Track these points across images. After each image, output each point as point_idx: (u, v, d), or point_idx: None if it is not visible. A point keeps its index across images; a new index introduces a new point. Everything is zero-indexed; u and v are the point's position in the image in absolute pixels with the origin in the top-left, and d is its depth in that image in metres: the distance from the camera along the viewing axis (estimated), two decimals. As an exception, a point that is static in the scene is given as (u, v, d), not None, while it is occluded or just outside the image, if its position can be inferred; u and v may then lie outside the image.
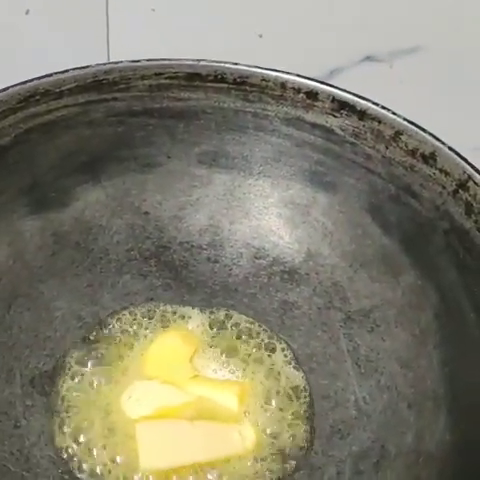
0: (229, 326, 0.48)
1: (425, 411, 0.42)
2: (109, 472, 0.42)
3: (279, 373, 0.46)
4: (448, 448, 0.40)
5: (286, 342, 0.48)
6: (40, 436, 0.43)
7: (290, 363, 0.47)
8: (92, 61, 0.46)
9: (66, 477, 0.42)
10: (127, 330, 0.47)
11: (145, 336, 0.47)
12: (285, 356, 0.47)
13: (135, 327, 0.47)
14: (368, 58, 0.61)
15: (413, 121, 0.44)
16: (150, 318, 0.48)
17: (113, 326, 0.47)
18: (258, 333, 0.48)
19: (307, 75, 0.57)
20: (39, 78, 0.44)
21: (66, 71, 0.44)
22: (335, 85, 0.47)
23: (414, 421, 0.42)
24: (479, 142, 0.62)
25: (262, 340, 0.48)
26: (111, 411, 0.44)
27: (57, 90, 0.44)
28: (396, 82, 0.61)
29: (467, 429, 0.40)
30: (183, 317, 0.48)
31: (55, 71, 0.45)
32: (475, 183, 0.41)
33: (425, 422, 0.42)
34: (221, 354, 0.47)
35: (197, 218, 0.50)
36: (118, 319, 0.48)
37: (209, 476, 0.42)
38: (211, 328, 0.48)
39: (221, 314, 0.48)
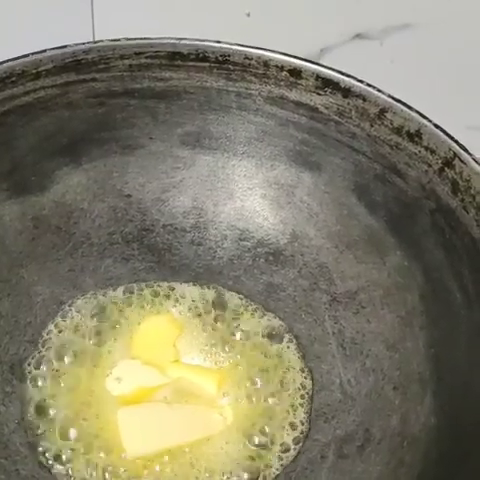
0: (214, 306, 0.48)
1: (410, 394, 0.42)
2: (88, 459, 0.42)
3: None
4: (433, 431, 0.39)
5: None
6: (19, 423, 0.42)
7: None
8: (77, 41, 0.45)
9: (45, 464, 0.41)
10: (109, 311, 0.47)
11: (128, 317, 0.47)
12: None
13: (119, 307, 0.47)
14: (358, 36, 0.60)
15: (398, 98, 0.43)
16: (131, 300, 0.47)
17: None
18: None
19: (297, 54, 0.56)
20: (15, 59, 0.43)
21: (43, 51, 0.43)
22: (325, 63, 0.46)
23: (399, 404, 0.42)
24: (472, 121, 0.62)
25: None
26: (94, 394, 0.43)
27: (34, 71, 0.43)
28: (387, 60, 0.60)
29: (452, 411, 0.39)
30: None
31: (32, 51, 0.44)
32: (461, 161, 0.41)
33: (410, 405, 0.41)
34: (205, 336, 0.46)
35: (180, 200, 0.49)
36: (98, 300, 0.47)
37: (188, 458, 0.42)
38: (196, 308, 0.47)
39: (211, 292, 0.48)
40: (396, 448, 0.40)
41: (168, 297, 0.48)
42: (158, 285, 0.48)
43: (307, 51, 0.59)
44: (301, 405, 0.44)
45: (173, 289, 0.48)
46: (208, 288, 0.48)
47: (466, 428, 0.38)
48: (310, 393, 0.45)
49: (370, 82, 0.44)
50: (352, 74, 0.45)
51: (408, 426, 0.41)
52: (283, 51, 0.45)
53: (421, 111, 0.43)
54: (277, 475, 0.42)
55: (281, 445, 0.43)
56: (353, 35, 0.59)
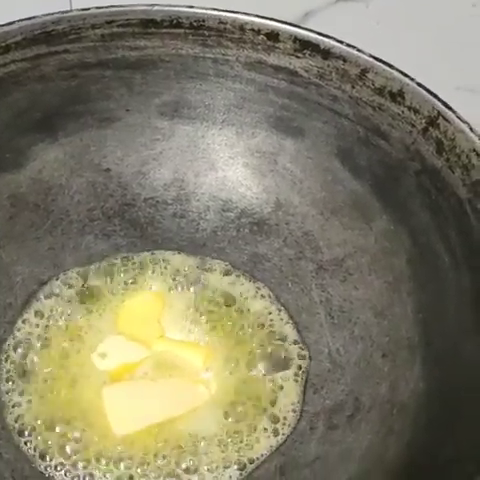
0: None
1: (400, 360, 0.41)
2: (78, 436, 0.41)
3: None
4: (422, 397, 0.39)
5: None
6: (4, 405, 0.42)
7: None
8: (53, 10, 0.44)
9: (30, 448, 0.41)
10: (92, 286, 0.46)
11: (112, 291, 0.46)
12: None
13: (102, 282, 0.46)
14: (342, -1, 0.59)
15: (379, 58, 0.42)
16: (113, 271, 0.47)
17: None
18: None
19: (281, 18, 0.55)
20: (-18, 32, 0.42)
21: (12, 23, 0.42)
22: (310, 27, 0.45)
23: (388, 371, 0.41)
24: (462, 81, 0.61)
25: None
26: (80, 370, 0.43)
27: (3, 44, 0.42)
28: (373, 22, 0.59)
29: (441, 377, 0.38)
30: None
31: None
32: (445, 119, 0.40)
33: (399, 372, 0.41)
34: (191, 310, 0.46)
35: (161, 172, 0.48)
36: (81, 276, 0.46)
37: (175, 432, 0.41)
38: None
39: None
40: (386, 416, 0.40)
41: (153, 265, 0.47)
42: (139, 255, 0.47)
43: (291, 15, 0.57)
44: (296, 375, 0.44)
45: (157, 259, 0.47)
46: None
47: (455, 393, 0.37)
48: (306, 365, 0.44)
49: (357, 44, 0.43)
50: (338, 37, 0.44)
51: (397, 393, 0.40)
52: (267, 15, 0.44)
53: (409, 73, 0.42)
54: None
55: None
56: (337, -2, 0.58)
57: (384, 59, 0.42)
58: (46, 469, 0.40)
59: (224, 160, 0.48)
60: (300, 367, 0.44)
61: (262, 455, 0.41)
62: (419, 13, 0.57)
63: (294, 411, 0.42)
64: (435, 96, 0.40)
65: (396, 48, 0.55)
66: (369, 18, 0.58)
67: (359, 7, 0.58)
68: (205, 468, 0.40)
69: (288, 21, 0.56)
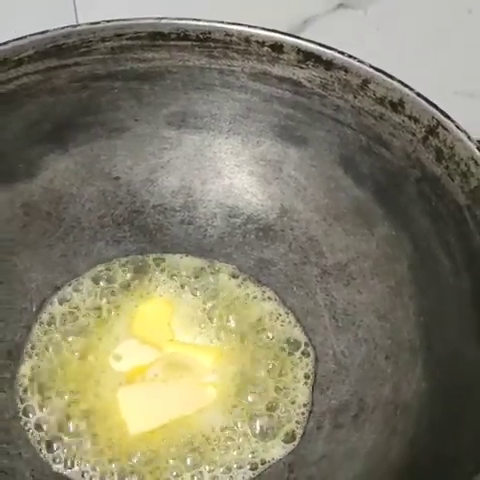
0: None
1: (402, 362, 0.42)
2: (94, 436, 0.42)
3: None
4: (424, 398, 0.40)
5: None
6: (20, 408, 0.43)
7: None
8: (59, 25, 0.45)
9: (49, 448, 0.42)
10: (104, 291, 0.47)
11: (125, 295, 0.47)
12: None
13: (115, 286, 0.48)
14: (342, 5, 0.59)
15: (380, 68, 0.43)
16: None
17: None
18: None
19: (280, 26, 0.56)
20: (-4, 46, 0.43)
21: (24, 37, 0.43)
22: (309, 35, 0.46)
23: (391, 372, 0.42)
24: (459, 86, 0.62)
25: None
26: (96, 372, 0.44)
27: (15, 58, 0.43)
28: (372, 29, 0.60)
29: (442, 378, 0.40)
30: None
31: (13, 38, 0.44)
32: (444, 128, 0.41)
33: (402, 373, 0.42)
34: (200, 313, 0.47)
35: (169, 180, 0.49)
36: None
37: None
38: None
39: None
40: (389, 416, 0.41)
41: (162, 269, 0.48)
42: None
43: (290, 22, 0.58)
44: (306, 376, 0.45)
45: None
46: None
47: (456, 394, 0.38)
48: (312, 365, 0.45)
49: (356, 51, 0.44)
50: (337, 44, 0.45)
51: (400, 394, 0.41)
52: (266, 23, 0.45)
53: (409, 78, 0.43)
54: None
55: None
56: (336, 4, 0.59)
57: (383, 65, 0.44)
58: (63, 469, 0.41)
59: (230, 168, 0.49)
60: (308, 369, 0.45)
61: (273, 458, 0.42)
62: (417, 19, 0.58)
63: (303, 413, 0.43)
64: (434, 106, 0.42)
65: (394, 54, 0.56)
66: (368, 25, 0.59)
67: (357, 14, 0.59)
68: (216, 466, 0.42)
69: (287, 28, 0.57)
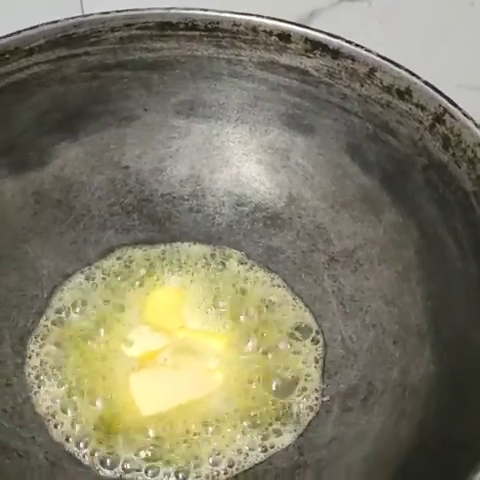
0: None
1: (410, 346, 0.43)
2: (106, 418, 0.43)
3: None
4: (432, 381, 0.40)
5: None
6: (32, 392, 0.43)
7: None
8: (65, 15, 0.45)
9: (61, 431, 0.42)
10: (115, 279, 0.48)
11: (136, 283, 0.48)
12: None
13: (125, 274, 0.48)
14: (347, -2, 0.60)
15: (387, 57, 0.44)
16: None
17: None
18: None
19: (286, 18, 0.56)
20: (7, 36, 0.43)
21: (35, 27, 0.44)
22: (314, 27, 0.46)
23: (399, 357, 0.43)
24: (463, 79, 0.62)
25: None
26: (109, 357, 0.45)
27: (27, 47, 0.43)
28: (376, 21, 0.60)
29: (450, 362, 0.40)
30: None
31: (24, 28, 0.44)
32: (451, 115, 0.41)
33: (410, 357, 0.42)
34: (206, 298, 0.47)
35: (177, 169, 0.50)
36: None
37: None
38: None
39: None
40: (398, 399, 0.41)
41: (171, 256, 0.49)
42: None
43: (296, 15, 0.59)
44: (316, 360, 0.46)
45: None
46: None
47: (464, 377, 0.38)
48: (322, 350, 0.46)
49: (360, 43, 0.45)
50: (342, 36, 0.45)
51: (408, 377, 0.42)
52: (272, 15, 0.46)
53: (411, 70, 0.44)
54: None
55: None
56: (341, -3, 0.60)
57: (387, 57, 0.44)
58: (77, 451, 0.42)
59: (238, 157, 0.50)
60: (318, 353, 0.45)
61: (283, 443, 0.42)
62: (420, 12, 0.59)
63: (316, 398, 0.44)
64: (441, 94, 0.42)
65: (398, 47, 0.56)
66: (372, 17, 0.60)
67: (362, 6, 0.59)
68: (227, 449, 0.42)
69: (293, 20, 0.58)
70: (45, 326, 0.46)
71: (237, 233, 0.50)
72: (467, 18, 0.59)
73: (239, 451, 0.42)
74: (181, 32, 0.45)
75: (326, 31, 0.45)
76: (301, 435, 0.43)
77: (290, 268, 0.48)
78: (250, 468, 0.42)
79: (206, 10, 0.45)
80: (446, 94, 0.42)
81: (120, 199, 0.49)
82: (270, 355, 0.45)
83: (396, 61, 0.44)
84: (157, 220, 0.50)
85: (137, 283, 0.48)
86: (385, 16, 0.59)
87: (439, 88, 0.43)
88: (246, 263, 0.49)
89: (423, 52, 0.58)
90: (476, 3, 0.58)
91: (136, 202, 0.50)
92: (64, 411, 0.43)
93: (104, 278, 0.48)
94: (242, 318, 0.47)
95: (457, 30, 0.59)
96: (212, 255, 0.49)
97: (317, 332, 0.46)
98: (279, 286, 0.48)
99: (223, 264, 0.49)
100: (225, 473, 0.42)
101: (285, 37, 0.44)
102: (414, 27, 0.59)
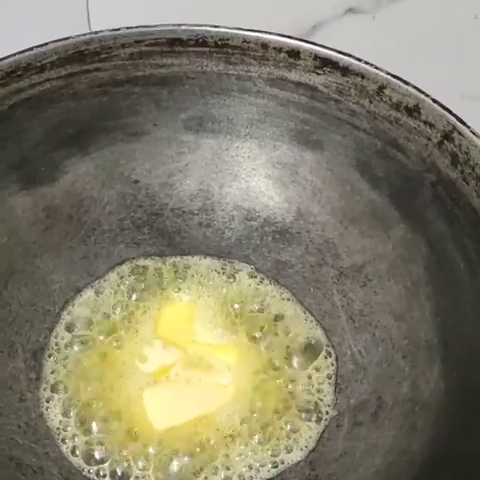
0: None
1: (419, 361, 0.43)
2: (118, 433, 0.43)
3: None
4: (442, 396, 0.41)
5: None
6: (45, 408, 0.44)
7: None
8: (73, 32, 0.46)
9: (74, 447, 0.43)
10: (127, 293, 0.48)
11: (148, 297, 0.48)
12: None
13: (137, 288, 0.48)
14: (351, 10, 0.61)
15: (396, 75, 0.44)
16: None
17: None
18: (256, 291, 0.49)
19: (289, 31, 0.57)
20: (20, 53, 0.44)
21: (46, 44, 0.44)
22: (318, 40, 0.46)
23: (409, 371, 0.43)
24: (466, 90, 0.63)
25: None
26: (121, 376, 0.45)
27: (38, 64, 0.44)
28: (380, 33, 0.61)
29: (459, 376, 0.41)
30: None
31: (35, 45, 0.45)
32: (459, 133, 0.42)
33: (419, 372, 0.43)
34: (218, 312, 0.48)
35: (187, 184, 0.50)
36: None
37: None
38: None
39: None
40: (408, 413, 0.42)
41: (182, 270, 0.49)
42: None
43: (300, 27, 0.59)
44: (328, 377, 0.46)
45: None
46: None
47: (475, 392, 0.39)
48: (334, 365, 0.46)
49: (364, 55, 0.45)
50: (345, 48, 0.46)
51: (418, 392, 0.42)
52: (276, 27, 0.46)
53: (416, 82, 0.44)
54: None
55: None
56: (345, 10, 0.60)
57: (390, 69, 0.44)
58: (89, 467, 0.42)
59: (247, 171, 0.50)
60: (331, 369, 0.46)
61: (295, 457, 0.43)
62: (424, 24, 0.59)
63: (327, 413, 0.44)
64: (449, 111, 0.43)
65: (402, 58, 0.57)
66: (376, 29, 0.60)
67: (366, 19, 0.60)
68: (238, 464, 0.42)
69: (296, 33, 0.58)
70: (57, 341, 0.46)
71: (246, 247, 0.50)
72: (470, 30, 0.60)
73: (250, 467, 0.42)
74: (191, 48, 0.45)
75: (332, 45, 0.45)
76: (312, 450, 0.43)
77: (299, 282, 0.49)
78: (261, 484, 0.42)
79: (216, 27, 0.45)
80: (449, 104, 0.43)
81: (130, 213, 0.50)
82: (281, 370, 0.46)
83: (400, 73, 0.44)
84: (167, 234, 0.50)
85: (148, 297, 0.48)
86: (389, 28, 0.60)
87: (442, 99, 0.43)
88: (256, 277, 0.49)
89: (426, 63, 0.59)
90: (479, 15, 0.59)
91: (146, 216, 0.50)
92: (77, 427, 0.43)
93: (115, 292, 0.48)
94: (253, 332, 0.47)
95: (460, 41, 0.60)
96: (222, 269, 0.49)
97: (328, 347, 0.46)
98: (289, 300, 0.48)
99: (233, 278, 0.49)
100: (236, 488, 0.42)
101: (294, 54, 0.45)
102: (417, 39, 0.60)
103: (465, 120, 0.43)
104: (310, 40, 0.57)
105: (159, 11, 0.56)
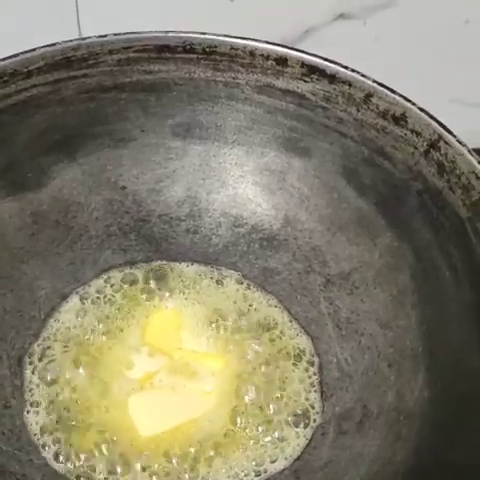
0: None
1: (404, 370, 0.43)
2: (105, 441, 0.43)
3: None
4: (426, 405, 0.41)
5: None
6: (30, 414, 0.43)
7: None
8: (63, 38, 0.46)
9: (58, 454, 0.42)
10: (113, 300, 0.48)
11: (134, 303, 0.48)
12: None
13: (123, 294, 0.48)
14: (342, 16, 0.60)
15: (383, 83, 0.44)
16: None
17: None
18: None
19: (281, 36, 0.57)
20: (5, 58, 0.44)
21: (33, 50, 0.44)
22: (310, 45, 0.47)
23: (394, 380, 0.43)
24: (455, 94, 0.63)
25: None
26: (107, 380, 0.45)
27: (25, 70, 0.44)
28: (371, 38, 0.61)
29: (444, 385, 0.41)
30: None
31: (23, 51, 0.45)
32: (446, 142, 0.42)
33: (405, 380, 0.43)
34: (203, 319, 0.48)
35: (174, 190, 0.50)
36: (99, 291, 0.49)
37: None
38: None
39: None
40: (393, 422, 0.42)
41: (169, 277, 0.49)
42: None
43: (291, 33, 0.59)
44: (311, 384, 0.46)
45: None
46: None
47: (459, 401, 0.39)
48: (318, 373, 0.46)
49: (355, 61, 0.45)
50: (337, 54, 0.46)
51: (403, 401, 0.42)
52: (267, 33, 0.46)
53: (405, 87, 0.44)
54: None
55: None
56: (336, 15, 0.60)
57: (381, 75, 0.45)
58: (74, 472, 0.42)
59: (235, 178, 0.50)
60: (315, 377, 0.46)
61: (278, 466, 0.43)
62: (415, 29, 0.59)
63: (314, 420, 0.44)
64: (436, 120, 0.43)
65: (393, 63, 0.57)
66: (367, 34, 0.60)
67: (357, 24, 0.60)
68: (220, 473, 0.42)
69: (288, 38, 0.58)
70: (43, 347, 0.46)
71: (234, 254, 0.50)
72: (461, 35, 0.60)
73: (235, 475, 0.42)
74: (179, 55, 0.46)
75: (320, 51, 0.45)
76: (297, 459, 0.43)
77: (286, 289, 0.49)
78: (245, 492, 0.42)
79: (204, 33, 0.45)
80: (438, 108, 0.43)
81: (117, 219, 0.50)
82: (267, 377, 0.46)
83: (390, 78, 0.44)
84: (154, 240, 0.50)
85: (135, 304, 0.48)
86: (380, 34, 0.60)
87: (431, 102, 0.43)
88: (243, 283, 0.49)
89: (416, 68, 0.59)
90: (471, 20, 0.59)
91: (133, 223, 0.50)
92: (61, 433, 0.43)
93: (102, 299, 0.48)
94: (239, 339, 0.47)
95: (452, 46, 0.60)
96: (209, 276, 0.49)
97: (313, 355, 0.46)
98: (276, 307, 0.48)
99: (220, 284, 0.49)
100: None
101: (282, 61, 0.45)
102: (408, 44, 0.60)
103: (455, 125, 0.43)
104: (302, 45, 0.58)
105: (151, 16, 0.56)
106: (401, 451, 0.40)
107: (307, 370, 0.46)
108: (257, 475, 0.43)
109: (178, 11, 0.57)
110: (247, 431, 0.44)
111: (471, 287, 0.40)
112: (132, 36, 0.45)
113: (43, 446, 0.43)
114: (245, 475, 0.43)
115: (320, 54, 0.45)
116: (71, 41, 0.45)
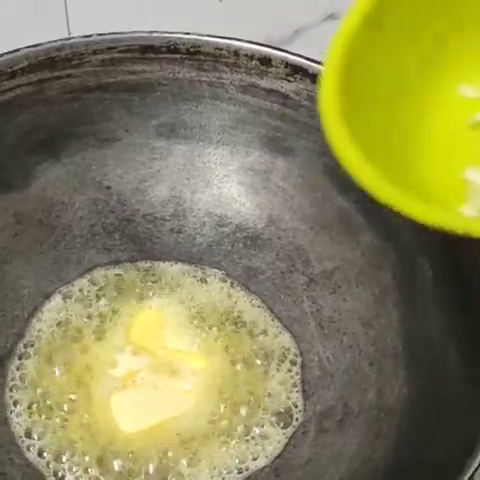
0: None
1: (385, 368, 0.43)
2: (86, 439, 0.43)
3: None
4: (406, 402, 0.41)
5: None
6: (11, 414, 0.44)
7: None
8: (52, 38, 0.46)
9: (40, 453, 0.43)
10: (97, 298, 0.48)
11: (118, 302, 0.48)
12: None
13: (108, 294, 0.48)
14: (331, 16, 0.61)
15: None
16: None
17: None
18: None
19: (270, 36, 0.57)
20: (-10, 58, 0.44)
21: (17, 50, 0.44)
22: (300, 45, 0.47)
23: (375, 378, 0.43)
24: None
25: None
26: (90, 378, 0.45)
27: (9, 70, 0.44)
28: (359, 40, 0.61)
29: (423, 384, 0.41)
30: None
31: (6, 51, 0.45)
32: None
33: (385, 379, 0.43)
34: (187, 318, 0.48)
35: (159, 190, 0.50)
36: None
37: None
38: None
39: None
40: (373, 420, 0.42)
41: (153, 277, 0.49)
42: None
43: (281, 33, 0.60)
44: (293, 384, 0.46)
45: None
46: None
47: (438, 399, 0.39)
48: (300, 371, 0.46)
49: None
50: (325, 56, 0.46)
51: (384, 399, 0.42)
52: (257, 33, 0.46)
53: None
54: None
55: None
56: (326, 16, 0.60)
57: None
58: (55, 471, 0.42)
59: (219, 178, 0.50)
60: (297, 375, 0.46)
61: (259, 465, 0.43)
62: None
63: (297, 419, 0.44)
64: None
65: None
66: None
67: (346, 25, 0.60)
68: (202, 471, 0.43)
69: (278, 38, 0.58)
70: (25, 347, 0.46)
71: (218, 253, 0.50)
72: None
73: (218, 474, 0.42)
74: (163, 55, 0.46)
75: (310, 51, 0.45)
76: (277, 457, 0.43)
77: (270, 289, 0.49)
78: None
79: (188, 34, 0.46)
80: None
81: (102, 219, 0.50)
82: (248, 375, 0.46)
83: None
84: (138, 240, 0.50)
85: (119, 303, 0.48)
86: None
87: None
88: (226, 282, 0.49)
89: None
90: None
91: (117, 222, 0.50)
92: (43, 432, 0.43)
93: (85, 298, 0.48)
94: (221, 338, 0.47)
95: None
96: (193, 275, 0.49)
97: (295, 354, 0.46)
98: (259, 306, 0.48)
99: (204, 283, 0.49)
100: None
101: (266, 61, 0.45)
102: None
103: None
104: (291, 45, 0.58)
105: (143, 16, 0.57)
106: (381, 448, 0.40)
107: (290, 370, 0.46)
108: (239, 472, 0.43)
109: (165, 13, 0.57)
110: (229, 429, 0.44)
111: (451, 286, 0.41)
112: (116, 36, 0.45)
113: (25, 445, 0.43)
114: (227, 473, 0.43)
115: (310, 54, 0.45)
116: (55, 41, 0.45)
